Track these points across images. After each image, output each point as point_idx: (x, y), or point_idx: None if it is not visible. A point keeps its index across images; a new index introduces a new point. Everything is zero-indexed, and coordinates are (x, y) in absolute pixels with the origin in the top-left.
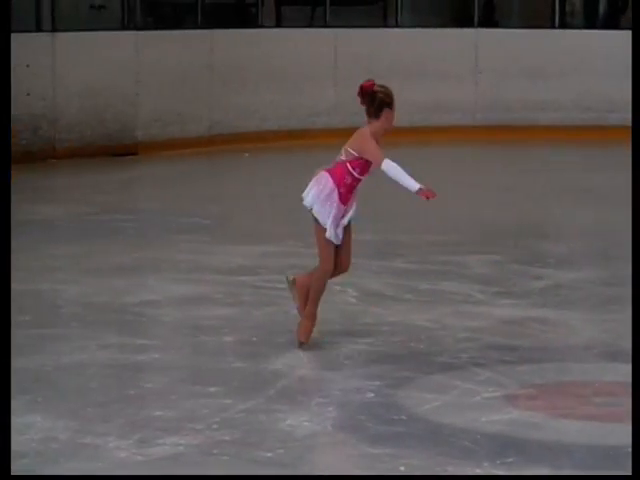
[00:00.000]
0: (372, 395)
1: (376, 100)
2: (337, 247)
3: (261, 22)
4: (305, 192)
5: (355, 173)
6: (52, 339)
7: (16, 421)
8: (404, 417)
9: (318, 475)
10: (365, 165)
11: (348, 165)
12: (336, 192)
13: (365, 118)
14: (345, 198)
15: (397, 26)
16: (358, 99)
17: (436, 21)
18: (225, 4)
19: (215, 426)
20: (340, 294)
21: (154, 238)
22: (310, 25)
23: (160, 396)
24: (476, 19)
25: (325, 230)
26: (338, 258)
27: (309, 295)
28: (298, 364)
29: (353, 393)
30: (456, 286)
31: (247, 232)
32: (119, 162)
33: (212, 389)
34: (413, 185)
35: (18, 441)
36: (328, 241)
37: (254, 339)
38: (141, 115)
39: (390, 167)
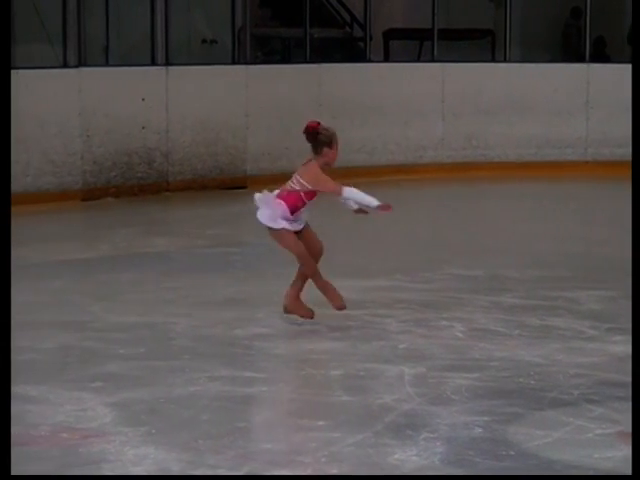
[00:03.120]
0: (480, 430)
1: (318, 140)
2: (300, 239)
3: (369, 57)
4: (258, 213)
5: (305, 199)
6: (165, 371)
7: (131, 452)
8: (513, 453)
9: (318, 475)
10: (313, 193)
11: (302, 194)
12: (288, 212)
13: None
14: (294, 214)
15: (505, 61)
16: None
17: (545, 56)
18: (333, 39)
19: (323, 460)
20: (447, 329)
21: (263, 271)
22: (418, 59)
23: (269, 429)
24: (587, 54)
25: (280, 229)
26: (308, 245)
27: (311, 279)
28: (406, 398)
29: (461, 428)
30: (567, 322)
31: (354, 266)
32: (229, 195)
33: (320, 423)
34: (373, 201)
35: (133, 471)
36: (286, 231)
37: (362, 373)
38: (250, 149)
39: (351, 192)
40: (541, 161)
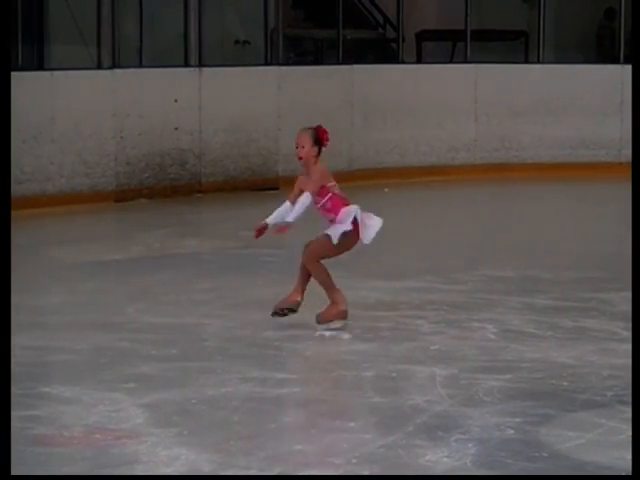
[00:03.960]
0: (512, 432)
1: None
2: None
3: (402, 58)
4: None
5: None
6: (197, 372)
7: (163, 453)
8: (545, 454)
9: (350, 475)
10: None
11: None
12: None
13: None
14: None
15: (539, 62)
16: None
17: (579, 57)
18: (366, 40)
19: (354, 461)
20: (479, 330)
21: (295, 273)
22: (451, 61)
23: (300, 430)
24: (622, 55)
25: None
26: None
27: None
28: (437, 400)
29: (493, 429)
30: (600, 323)
31: (386, 267)
32: (261, 196)
33: (351, 424)
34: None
35: (165, 472)
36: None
37: (393, 374)
38: (282, 150)
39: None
40: (575, 162)
